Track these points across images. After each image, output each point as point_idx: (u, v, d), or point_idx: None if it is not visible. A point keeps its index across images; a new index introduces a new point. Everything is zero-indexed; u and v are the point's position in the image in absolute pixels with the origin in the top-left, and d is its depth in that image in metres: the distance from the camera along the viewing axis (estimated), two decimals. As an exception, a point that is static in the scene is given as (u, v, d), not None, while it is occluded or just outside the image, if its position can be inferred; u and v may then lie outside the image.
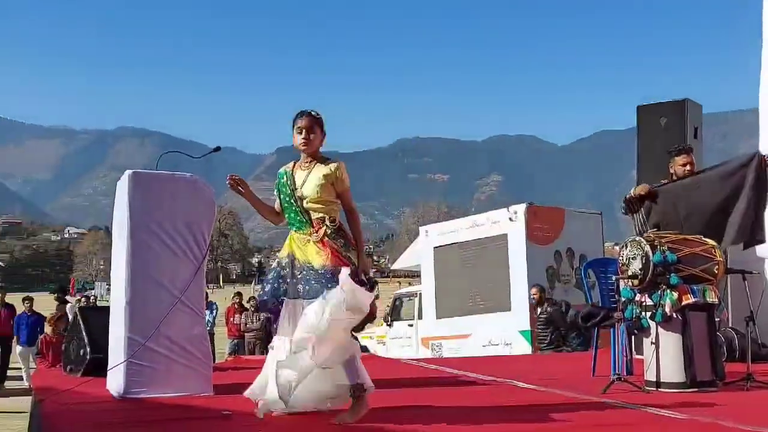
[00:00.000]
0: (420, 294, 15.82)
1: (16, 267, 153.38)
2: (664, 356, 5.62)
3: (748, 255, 7.14)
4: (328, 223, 4.29)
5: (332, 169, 4.34)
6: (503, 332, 13.09)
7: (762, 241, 6.45)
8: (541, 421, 4.27)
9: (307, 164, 4.41)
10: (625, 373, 5.94)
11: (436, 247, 15.07)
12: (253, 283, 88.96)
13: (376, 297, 4.21)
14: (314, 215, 4.32)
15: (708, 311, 5.76)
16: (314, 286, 4.15)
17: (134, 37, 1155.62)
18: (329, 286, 4.08)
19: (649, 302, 5.65)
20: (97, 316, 7.03)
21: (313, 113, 4.40)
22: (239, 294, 16.60)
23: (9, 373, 14.19)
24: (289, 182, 4.42)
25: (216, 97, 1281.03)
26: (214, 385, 5.68)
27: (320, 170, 4.35)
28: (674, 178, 6.41)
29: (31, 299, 14.16)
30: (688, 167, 6.33)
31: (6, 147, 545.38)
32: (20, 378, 13.73)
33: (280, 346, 4.24)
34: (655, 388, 5.61)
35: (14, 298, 15.25)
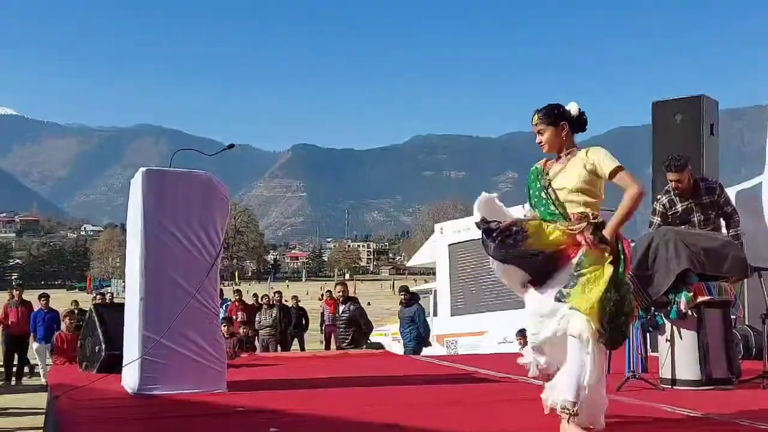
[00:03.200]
0: (435, 291, 15.82)
1: (34, 264, 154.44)
2: (679, 354, 5.60)
3: (764, 252, 7.08)
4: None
5: (584, 155, 4.00)
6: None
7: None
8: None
9: (566, 155, 4.09)
10: (640, 371, 5.90)
11: (451, 245, 15.05)
12: (268, 280, 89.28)
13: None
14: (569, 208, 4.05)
15: (724, 308, 5.73)
16: None
17: (150, 36, 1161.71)
18: None
19: (664, 299, 5.62)
20: (112, 313, 7.06)
21: (538, 111, 4.09)
22: (239, 291, 17.09)
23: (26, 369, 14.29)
24: (539, 177, 4.17)
25: (232, 94, 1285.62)
26: (227, 382, 5.69)
27: (576, 158, 4.04)
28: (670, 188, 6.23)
29: (47, 296, 14.25)
30: (673, 184, 6.12)
31: (23, 145, 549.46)
32: (38, 374, 13.85)
33: None
34: (670, 386, 5.59)
35: (32, 296, 15.36)
